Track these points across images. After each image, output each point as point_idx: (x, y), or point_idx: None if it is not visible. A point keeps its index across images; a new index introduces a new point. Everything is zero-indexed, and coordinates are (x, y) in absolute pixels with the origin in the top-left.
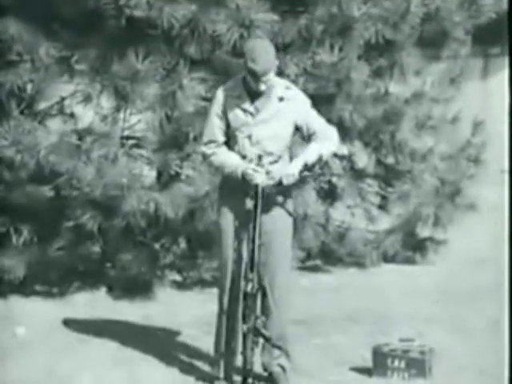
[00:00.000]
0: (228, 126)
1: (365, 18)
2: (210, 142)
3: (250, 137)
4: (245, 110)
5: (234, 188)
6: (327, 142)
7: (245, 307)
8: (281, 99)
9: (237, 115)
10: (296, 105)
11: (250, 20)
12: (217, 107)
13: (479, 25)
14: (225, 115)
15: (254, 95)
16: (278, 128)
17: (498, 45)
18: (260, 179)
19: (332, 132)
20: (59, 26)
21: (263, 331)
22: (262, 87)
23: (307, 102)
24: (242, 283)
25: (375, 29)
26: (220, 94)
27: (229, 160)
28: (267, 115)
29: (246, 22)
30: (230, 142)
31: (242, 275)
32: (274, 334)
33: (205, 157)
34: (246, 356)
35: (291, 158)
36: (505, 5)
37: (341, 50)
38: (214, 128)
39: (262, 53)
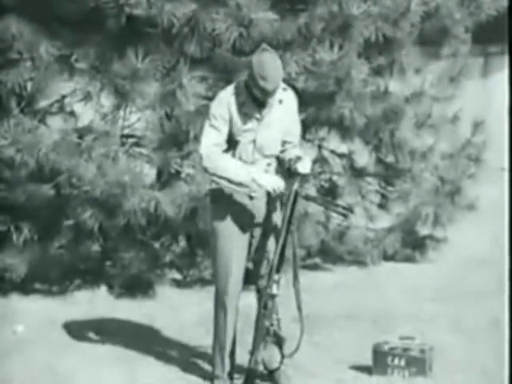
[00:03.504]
0: (230, 130)
1: (365, 16)
2: (215, 144)
3: (254, 141)
4: (251, 117)
5: (230, 196)
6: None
7: (265, 308)
8: (280, 102)
9: (242, 121)
10: (290, 106)
11: (250, 18)
12: (220, 111)
13: (479, 23)
14: (229, 120)
15: (260, 101)
16: (277, 131)
17: (498, 43)
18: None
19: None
20: (59, 24)
21: (280, 333)
22: (270, 100)
23: (296, 103)
24: (262, 283)
25: (375, 27)
26: (223, 99)
27: (240, 170)
28: (270, 120)
29: (245, 21)
30: (230, 145)
31: (261, 276)
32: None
33: (205, 159)
34: (255, 355)
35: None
36: (505, 2)
37: (341, 48)
38: (218, 131)
39: (272, 69)
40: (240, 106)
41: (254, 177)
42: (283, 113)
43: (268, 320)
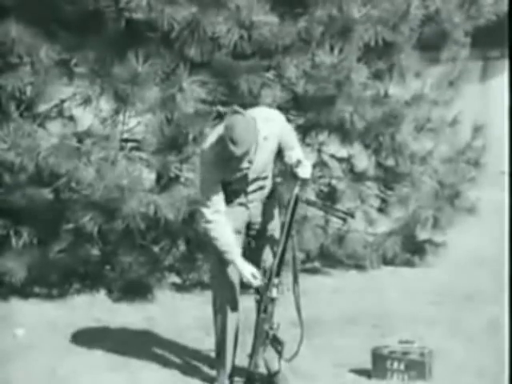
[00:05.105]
0: (224, 179)
1: (364, 20)
2: (210, 201)
3: (246, 177)
4: (241, 167)
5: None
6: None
7: (265, 311)
8: (265, 138)
9: (234, 172)
10: (276, 131)
11: (250, 21)
12: (210, 169)
13: (479, 27)
14: (220, 174)
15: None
16: (268, 158)
17: (498, 48)
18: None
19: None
20: (59, 28)
21: (279, 336)
22: (244, 162)
23: (283, 120)
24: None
25: (375, 31)
26: (210, 157)
27: (231, 249)
28: (259, 158)
29: (246, 24)
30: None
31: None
32: None
33: (205, 220)
34: (255, 359)
35: None
36: (504, 7)
37: (340, 51)
38: (211, 188)
39: (242, 135)
40: (227, 161)
41: (237, 264)
42: (272, 144)
43: (268, 324)
